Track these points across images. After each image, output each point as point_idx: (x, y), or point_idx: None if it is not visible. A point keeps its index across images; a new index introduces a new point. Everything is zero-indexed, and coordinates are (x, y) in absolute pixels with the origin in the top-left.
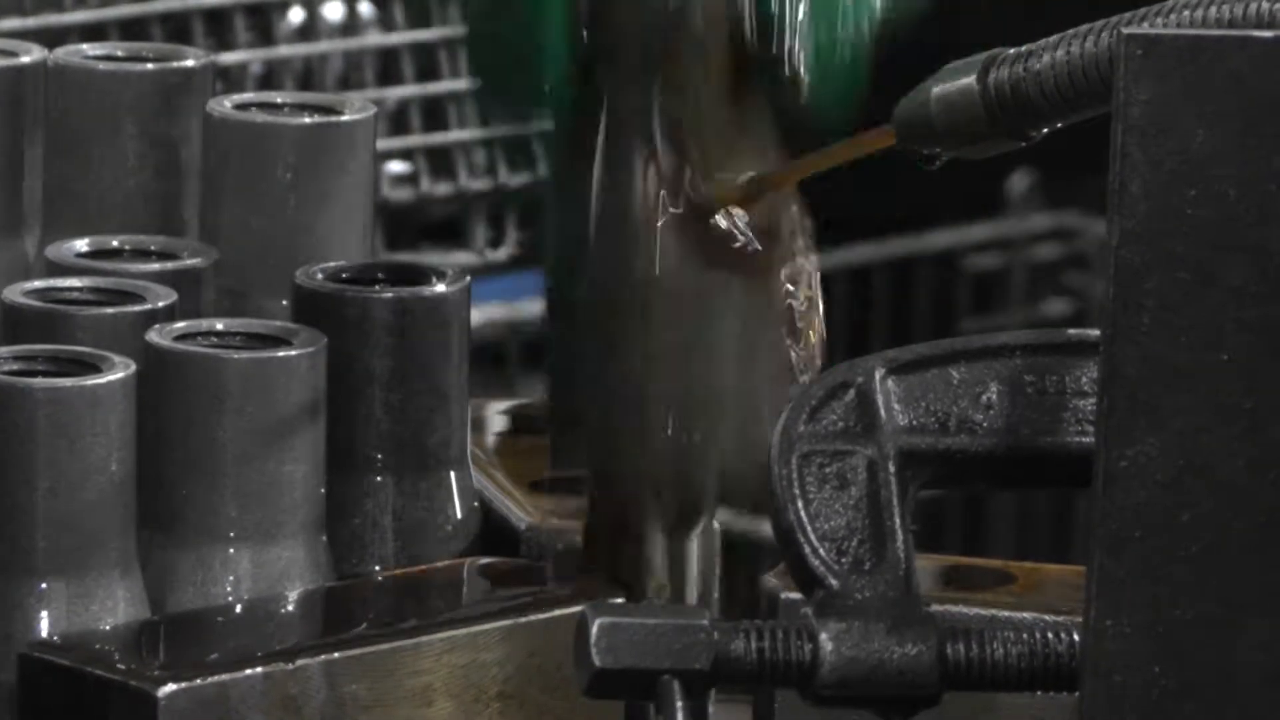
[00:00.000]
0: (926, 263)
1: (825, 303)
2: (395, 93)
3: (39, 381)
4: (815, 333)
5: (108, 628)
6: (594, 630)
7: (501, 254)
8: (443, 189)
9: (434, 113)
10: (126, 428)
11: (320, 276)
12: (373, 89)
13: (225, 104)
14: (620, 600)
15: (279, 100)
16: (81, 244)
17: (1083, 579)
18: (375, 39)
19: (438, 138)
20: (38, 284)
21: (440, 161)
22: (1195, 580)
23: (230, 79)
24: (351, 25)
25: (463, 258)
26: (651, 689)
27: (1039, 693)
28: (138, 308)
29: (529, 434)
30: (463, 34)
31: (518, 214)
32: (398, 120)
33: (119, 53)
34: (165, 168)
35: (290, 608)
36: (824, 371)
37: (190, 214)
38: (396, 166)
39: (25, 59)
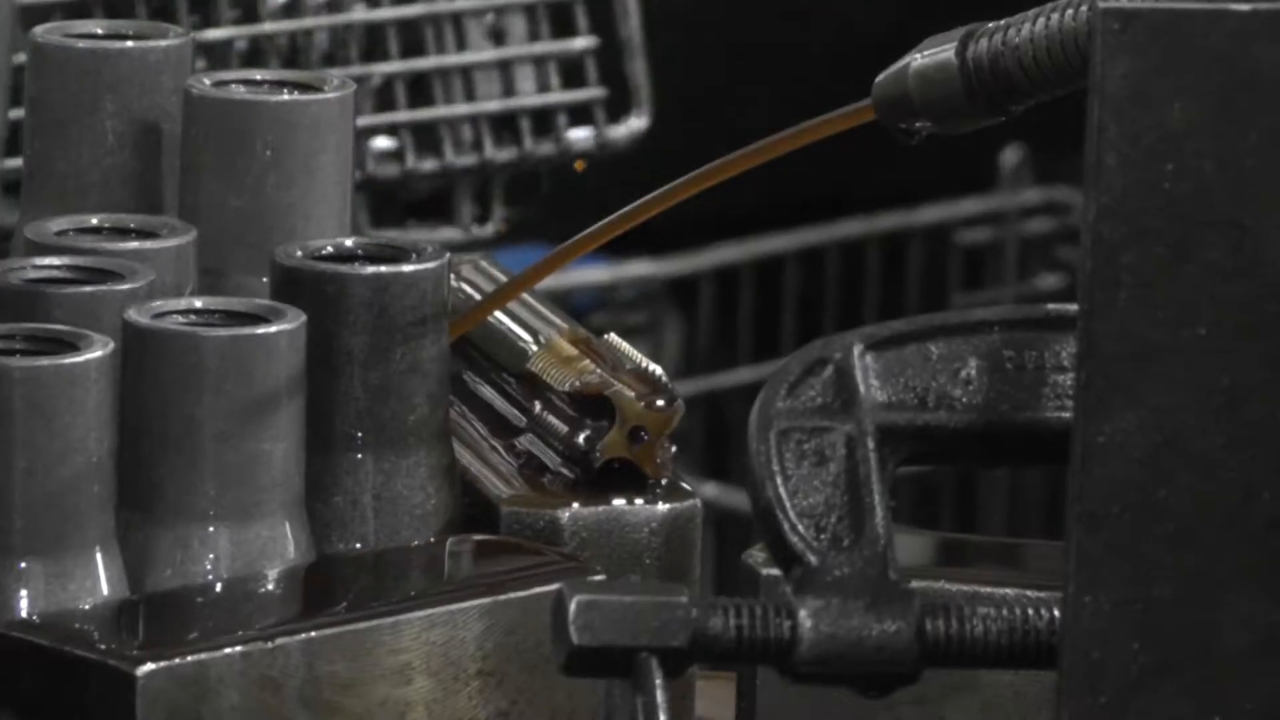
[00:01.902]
0: (918, 237)
1: (819, 278)
2: (381, 69)
3: (16, 360)
4: None
5: (86, 607)
6: (572, 608)
7: (488, 230)
8: (428, 165)
9: (420, 89)
10: (104, 407)
11: (299, 254)
12: (358, 65)
13: (204, 82)
14: (599, 578)
15: (258, 78)
16: (60, 222)
17: None
18: (361, 15)
19: (423, 114)
20: (16, 262)
21: (426, 138)
22: (1173, 557)
23: (215, 56)
24: (336, 1)
25: (449, 234)
26: (629, 666)
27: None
28: (116, 286)
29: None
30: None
31: (504, 190)
32: (383, 96)
33: (98, 30)
34: (144, 146)
35: (269, 586)
36: (802, 347)
37: (170, 192)
38: (382, 143)
39: None
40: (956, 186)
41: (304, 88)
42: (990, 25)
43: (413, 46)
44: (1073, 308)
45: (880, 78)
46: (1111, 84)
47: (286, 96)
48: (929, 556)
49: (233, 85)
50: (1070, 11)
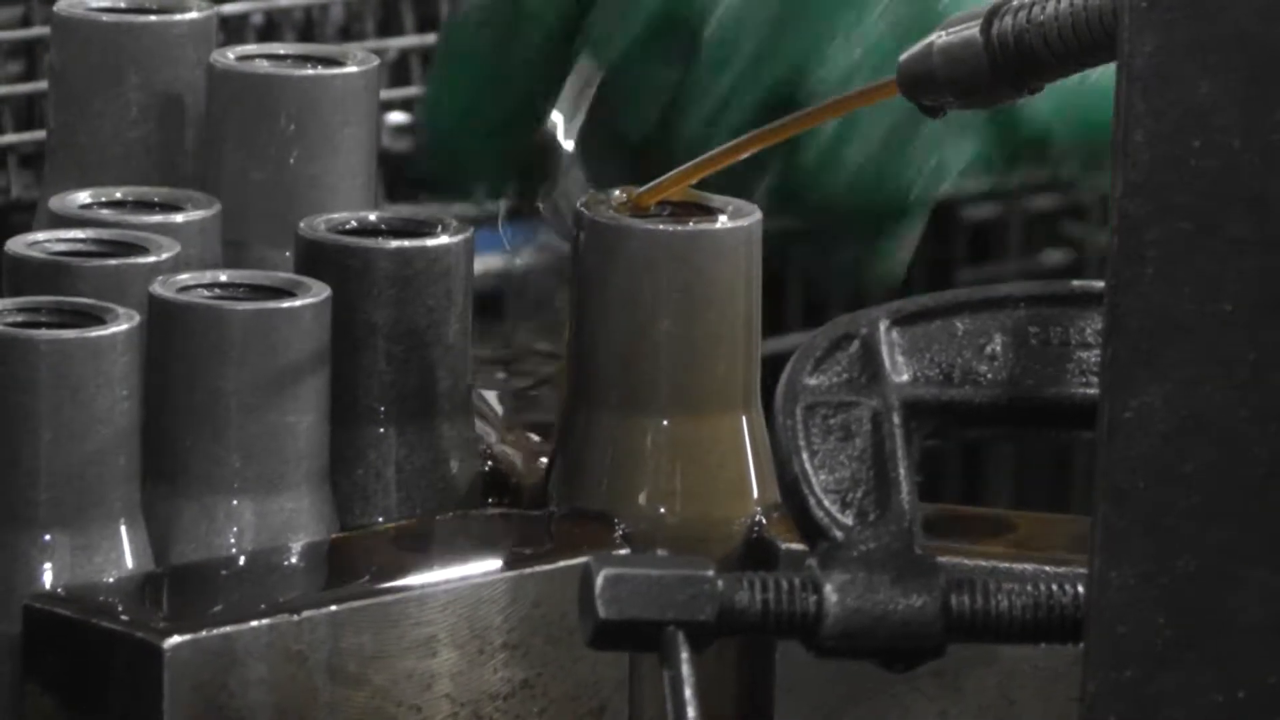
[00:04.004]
0: None
1: None
2: (396, 43)
3: (42, 333)
4: None
5: (111, 579)
6: (598, 581)
7: (501, 204)
8: None
9: None
10: (130, 379)
11: (323, 228)
12: (373, 39)
13: (228, 56)
14: (625, 551)
15: (281, 52)
16: (84, 195)
17: (1080, 529)
18: None
19: None
20: (41, 235)
21: None
22: (1198, 531)
23: (230, 29)
24: None
25: (461, 208)
26: (656, 640)
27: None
28: (141, 259)
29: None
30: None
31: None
32: (398, 70)
33: (121, 4)
34: (168, 119)
35: (294, 559)
36: (828, 323)
37: (193, 166)
38: (397, 117)
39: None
40: None
41: (327, 62)
42: (1015, 2)
43: (428, 20)
44: (1097, 284)
45: (905, 54)
46: (1139, 61)
47: (310, 71)
48: (944, 529)
49: (256, 59)
50: None
